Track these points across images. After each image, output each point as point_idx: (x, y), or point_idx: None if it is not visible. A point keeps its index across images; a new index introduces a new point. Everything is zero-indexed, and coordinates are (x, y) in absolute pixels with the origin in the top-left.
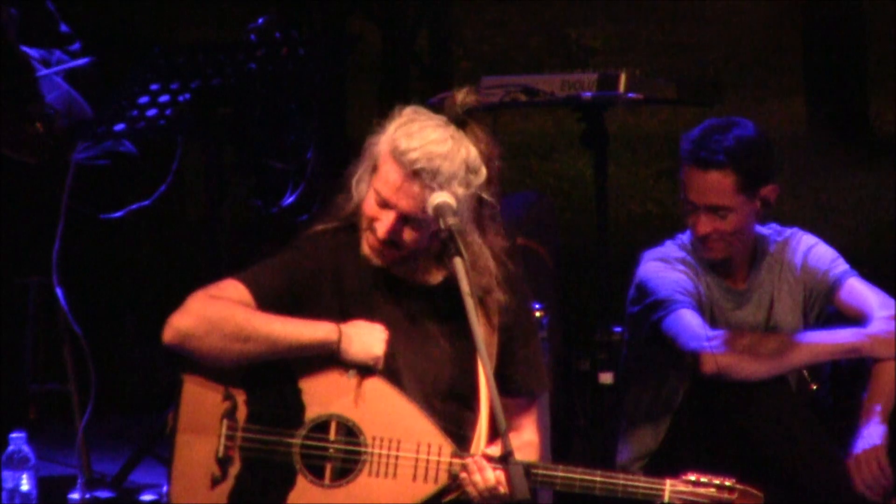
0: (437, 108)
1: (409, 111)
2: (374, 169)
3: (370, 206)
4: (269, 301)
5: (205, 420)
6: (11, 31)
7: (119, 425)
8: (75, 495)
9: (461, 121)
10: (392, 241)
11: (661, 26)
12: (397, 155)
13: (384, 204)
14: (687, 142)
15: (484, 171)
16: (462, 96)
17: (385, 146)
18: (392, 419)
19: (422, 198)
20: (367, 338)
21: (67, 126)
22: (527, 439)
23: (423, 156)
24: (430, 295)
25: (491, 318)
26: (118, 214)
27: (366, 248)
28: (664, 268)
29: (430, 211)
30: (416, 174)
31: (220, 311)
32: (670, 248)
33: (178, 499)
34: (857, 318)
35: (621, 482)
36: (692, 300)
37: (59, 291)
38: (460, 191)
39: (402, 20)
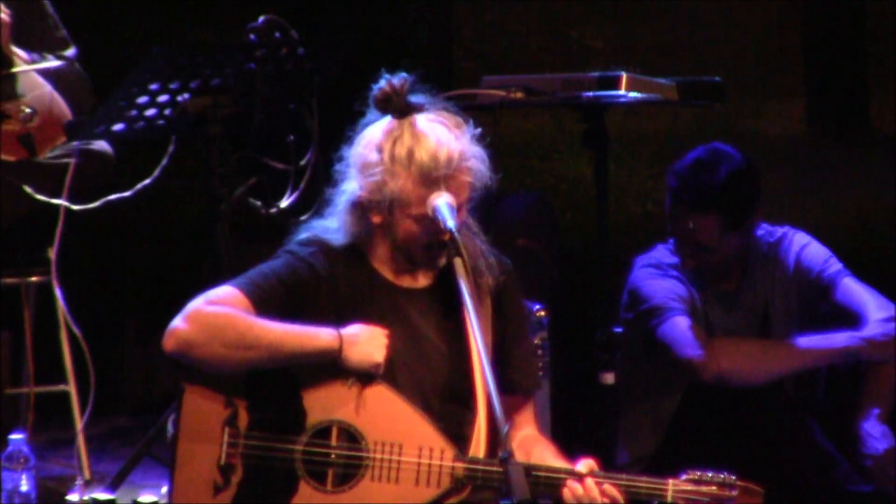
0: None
1: (384, 127)
2: (403, 202)
3: (421, 231)
4: (267, 307)
5: (206, 428)
6: (4, 34)
7: (119, 425)
8: (75, 495)
9: (408, 108)
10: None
11: (661, 26)
12: (428, 171)
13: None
14: (673, 177)
15: (461, 120)
16: (397, 86)
17: (404, 175)
18: (393, 424)
19: (467, 185)
20: (367, 345)
21: (42, 125)
22: (530, 435)
23: (449, 157)
24: (423, 296)
25: (485, 314)
26: (94, 205)
27: (428, 265)
28: (657, 274)
29: (429, 212)
30: (458, 171)
31: (221, 319)
32: (662, 253)
33: None
34: (852, 319)
35: (624, 482)
36: (686, 306)
37: (59, 291)
38: (476, 149)
39: (403, 20)
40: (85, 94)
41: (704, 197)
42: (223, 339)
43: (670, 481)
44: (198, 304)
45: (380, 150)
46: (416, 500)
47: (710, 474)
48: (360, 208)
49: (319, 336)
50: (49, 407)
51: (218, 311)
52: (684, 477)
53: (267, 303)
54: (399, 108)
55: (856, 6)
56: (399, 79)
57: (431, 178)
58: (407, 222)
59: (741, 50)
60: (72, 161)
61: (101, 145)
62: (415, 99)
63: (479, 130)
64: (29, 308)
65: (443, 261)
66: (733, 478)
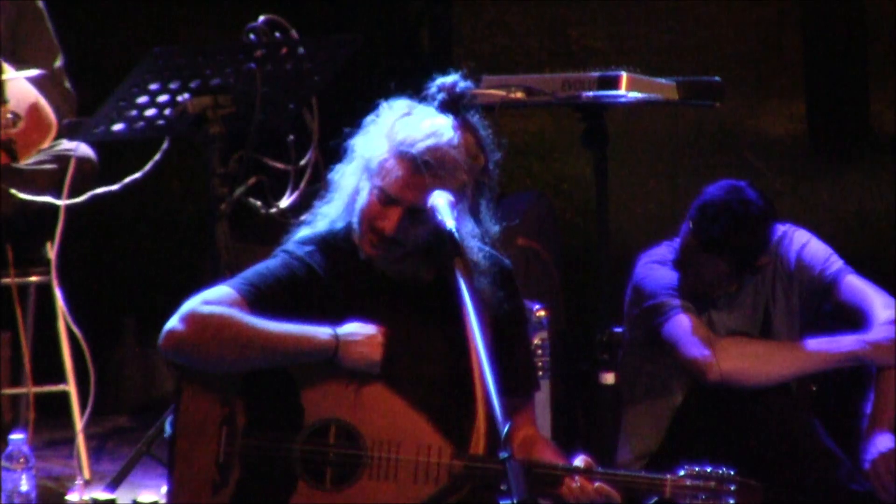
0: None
1: (401, 105)
2: (371, 169)
3: (372, 207)
4: (263, 307)
5: (204, 427)
6: None
7: (119, 425)
8: (75, 495)
9: (454, 108)
10: (397, 238)
11: (661, 26)
12: (403, 149)
13: (389, 201)
14: (695, 210)
15: (482, 156)
16: (452, 85)
17: (384, 143)
18: (391, 422)
19: (429, 189)
20: (364, 345)
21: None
22: (530, 435)
23: (429, 147)
24: (422, 294)
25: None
26: (81, 199)
27: (368, 249)
28: (661, 270)
29: (424, 206)
30: (425, 165)
31: (216, 319)
32: (666, 251)
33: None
34: (856, 318)
35: (622, 478)
36: (690, 303)
37: (59, 291)
38: (464, 178)
39: (403, 20)
40: (65, 106)
41: (714, 239)
42: (218, 339)
43: (669, 476)
44: (193, 304)
45: (391, 109)
46: (414, 497)
47: (708, 469)
48: (355, 160)
49: (315, 336)
50: (49, 407)
51: (213, 310)
52: (683, 472)
53: (263, 302)
54: (444, 103)
55: (856, 6)
56: (461, 83)
57: (394, 151)
58: (372, 196)
59: (741, 50)
60: (53, 167)
61: (84, 150)
62: (465, 108)
63: (488, 184)
64: (28, 308)
65: (391, 261)
66: (732, 473)
